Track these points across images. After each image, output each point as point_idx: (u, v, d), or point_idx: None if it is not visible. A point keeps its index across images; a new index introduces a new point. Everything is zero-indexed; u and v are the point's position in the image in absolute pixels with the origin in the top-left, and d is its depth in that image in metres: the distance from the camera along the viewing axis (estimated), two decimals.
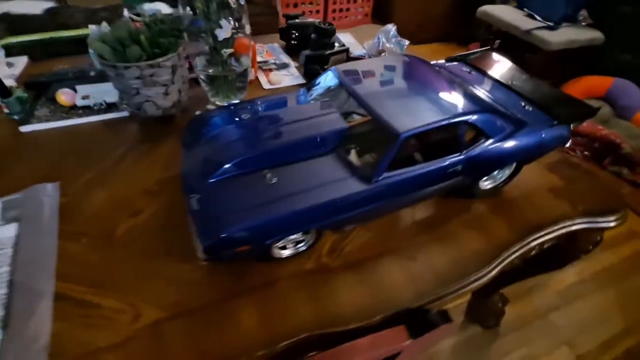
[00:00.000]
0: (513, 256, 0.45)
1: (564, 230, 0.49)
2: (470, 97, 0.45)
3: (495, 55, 0.63)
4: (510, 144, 0.44)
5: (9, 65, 0.74)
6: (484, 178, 0.49)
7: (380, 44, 0.87)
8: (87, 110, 0.64)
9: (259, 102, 0.50)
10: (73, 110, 0.64)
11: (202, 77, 0.63)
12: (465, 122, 0.41)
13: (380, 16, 2.74)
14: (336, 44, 0.78)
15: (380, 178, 0.38)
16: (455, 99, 0.44)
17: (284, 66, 0.81)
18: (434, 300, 0.40)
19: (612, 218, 0.51)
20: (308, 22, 0.85)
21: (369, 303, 0.39)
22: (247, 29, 0.62)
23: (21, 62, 0.77)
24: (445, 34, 2.50)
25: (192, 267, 0.40)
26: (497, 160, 0.45)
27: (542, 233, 0.47)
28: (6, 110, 0.61)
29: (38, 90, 0.67)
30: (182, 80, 0.60)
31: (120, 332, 0.35)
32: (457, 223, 0.48)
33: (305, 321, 0.36)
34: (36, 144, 0.58)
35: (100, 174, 0.52)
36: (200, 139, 0.45)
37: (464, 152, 0.42)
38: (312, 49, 0.76)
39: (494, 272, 0.43)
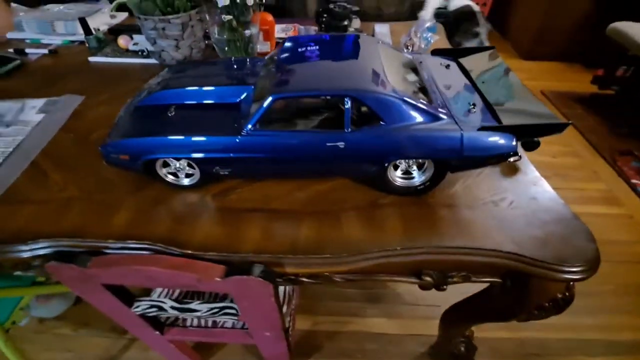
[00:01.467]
0: (382, 259, 0.42)
1: (478, 259, 0.42)
2: (384, 80, 0.43)
3: (494, 57, 0.56)
4: (407, 133, 0.41)
5: (112, 17, 1.00)
6: (395, 170, 0.46)
7: (410, 37, 0.84)
8: (135, 53, 0.82)
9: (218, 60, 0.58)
10: (127, 52, 0.83)
11: (213, 40, 0.74)
12: (350, 98, 0.40)
13: (496, 22, 2.48)
14: (352, 29, 0.79)
15: (249, 131, 0.42)
16: (362, 77, 0.43)
17: None
18: (271, 263, 0.41)
19: (574, 268, 0.40)
20: (337, 6, 0.87)
21: (218, 242, 0.43)
22: (250, 1, 0.69)
23: (122, 16, 1.02)
24: (569, 52, 2.09)
25: (114, 170, 0.51)
26: (387, 146, 0.42)
27: (444, 246, 0.42)
28: (87, 45, 0.84)
29: (116, 35, 0.89)
30: (194, 38, 0.72)
31: (47, 195, 0.48)
32: (349, 207, 0.47)
33: (161, 234, 0.43)
34: (90, 69, 0.79)
35: (111, 98, 0.68)
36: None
37: (350, 130, 0.41)
38: (326, 30, 0.79)
39: (350, 265, 0.42)
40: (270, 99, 0.40)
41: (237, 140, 0.42)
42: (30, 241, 0.43)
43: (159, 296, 0.57)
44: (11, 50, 0.85)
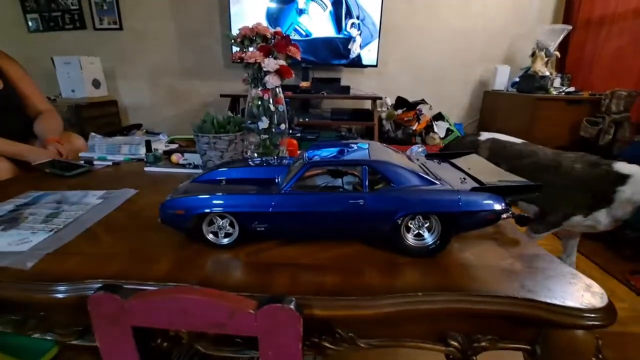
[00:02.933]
0: (404, 306, 0.44)
1: (495, 307, 0.45)
2: (389, 157, 0.56)
3: (476, 156, 0.72)
4: (412, 192, 0.51)
5: (166, 146, 1.25)
6: (408, 233, 0.53)
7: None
8: (183, 166, 1.01)
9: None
10: (177, 165, 1.02)
11: (248, 154, 0.94)
12: (367, 165, 0.52)
13: None
14: None
15: (287, 189, 0.52)
16: (374, 154, 0.56)
17: None
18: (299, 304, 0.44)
19: (592, 314, 0.42)
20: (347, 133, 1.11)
21: (250, 285, 0.46)
22: (282, 126, 0.91)
23: (174, 146, 1.28)
24: None
25: (160, 236, 0.58)
26: (397, 201, 0.50)
27: (464, 293, 0.45)
28: (145, 159, 1.04)
29: (169, 154, 1.10)
30: (235, 152, 0.91)
31: (96, 249, 0.54)
32: (370, 263, 0.51)
33: (197, 279, 0.47)
34: (145, 175, 0.95)
35: (161, 191, 0.80)
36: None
37: (367, 191, 0.51)
38: None
39: (374, 309, 0.44)
40: (306, 165, 0.52)
41: (277, 197, 0.52)
42: (77, 281, 0.46)
43: None
44: (82, 162, 1.04)
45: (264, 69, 0.82)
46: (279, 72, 0.85)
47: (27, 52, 3.00)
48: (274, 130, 0.90)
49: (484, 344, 0.47)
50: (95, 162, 1.04)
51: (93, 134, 1.21)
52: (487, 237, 0.60)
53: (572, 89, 2.37)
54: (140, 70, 3.00)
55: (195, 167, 1.00)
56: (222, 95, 2.61)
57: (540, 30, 2.50)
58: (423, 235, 0.53)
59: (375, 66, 2.69)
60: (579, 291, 0.45)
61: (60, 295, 0.46)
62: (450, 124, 2.74)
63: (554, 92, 2.28)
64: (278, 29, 0.89)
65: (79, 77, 2.59)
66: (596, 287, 0.46)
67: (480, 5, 2.73)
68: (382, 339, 0.47)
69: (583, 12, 2.50)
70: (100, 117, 2.71)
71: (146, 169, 1.00)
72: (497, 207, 0.50)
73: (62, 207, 0.68)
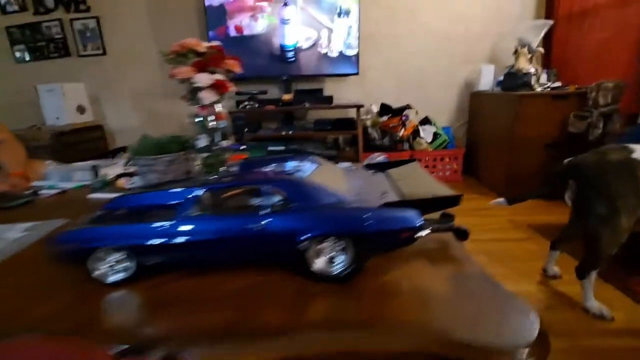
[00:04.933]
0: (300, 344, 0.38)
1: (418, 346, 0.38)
2: (298, 175, 0.51)
3: (415, 165, 0.66)
4: (317, 213, 0.45)
5: (125, 168, 1.21)
6: (319, 257, 0.47)
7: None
8: (130, 190, 0.96)
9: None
10: (124, 189, 0.98)
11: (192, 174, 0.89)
12: (265, 184, 0.46)
13: (470, 172, 2.80)
14: None
15: (179, 218, 0.46)
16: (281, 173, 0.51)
17: None
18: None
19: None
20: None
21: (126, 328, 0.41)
22: (224, 143, 0.87)
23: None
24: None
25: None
26: (297, 222, 0.45)
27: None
28: (92, 186, 1.00)
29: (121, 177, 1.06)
30: (178, 172, 0.87)
31: None
32: (276, 296, 0.45)
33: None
34: (87, 203, 0.91)
35: None
36: None
37: (268, 211, 0.46)
38: None
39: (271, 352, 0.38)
40: (193, 192, 0.47)
41: (170, 225, 0.46)
42: None
43: None
44: (28, 192, 1.01)
45: (195, 85, 0.78)
46: (215, 87, 0.81)
47: (15, 83, 3.05)
48: (214, 147, 0.85)
49: None
50: (42, 191, 1.01)
51: (49, 161, 1.18)
52: (425, 254, 0.54)
53: (558, 84, 2.30)
54: (124, 94, 3.02)
55: None
56: None
57: (521, 27, 2.45)
58: (334, 261, 0.47)
59: (357, 74, 2.66)
60: (514, 323, 0.38)
61: None
62: (437, 128, 2.68)
63: (539, 89, 2.22)
64: (214, 42, 0.85)
65: (61, 104, 2.60)
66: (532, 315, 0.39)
67: (461, 6, 2.70)
68: None
69: (564, 6, 2.45)
70: (85, 142, 2.71)
71: (90, 195, 0.95)
72: (410, 223, 0.44)
73: None
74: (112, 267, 0.49)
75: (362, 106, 2.55)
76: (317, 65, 2.64)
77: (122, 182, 0.99)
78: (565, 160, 1.29)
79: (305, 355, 0.38)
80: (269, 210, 0.46)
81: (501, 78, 2.48)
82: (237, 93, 2.64)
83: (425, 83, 2.84)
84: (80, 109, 2.76)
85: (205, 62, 0.81)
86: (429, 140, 2.58)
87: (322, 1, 2.51)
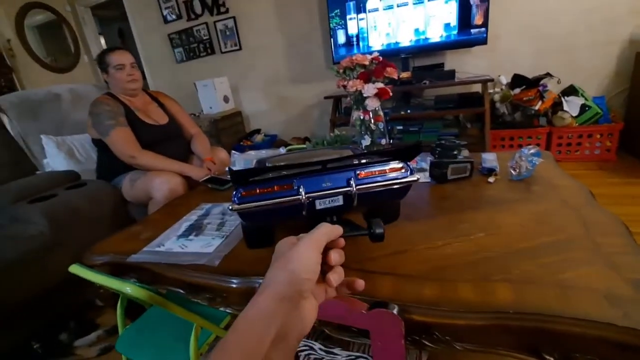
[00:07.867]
0: (496, 320, 0.50)
1: (592, 332, 0.46)
2: None
3: None
4: None
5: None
6: None
7: (515, 161, 0.99)
8: None
9: None
10: None
11: None
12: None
13: (630, 150, 2.36)
14: (462, 156, 1.01)
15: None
16: None
17: (421, 170, 1.11)
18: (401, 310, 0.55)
19: None
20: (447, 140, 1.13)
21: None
22: (382, 141, 1.00)
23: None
24: None
25: None
26: None
27: (557, 315, 0.48)
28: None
29: None
30: None
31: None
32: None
33: None
34: None
35: None
36: None
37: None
38: (437, 158, 1.02)
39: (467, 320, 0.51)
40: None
41: None
42: (245, 277, 0.68)
43: (308, 339, 0.71)
44: (229, 176, 1.36)
45: (364, 95, 0.93)
46: (378, 95, 0.95)
47: (177, 80, 3.83)
48: (375, 145, 1.00)
49: None
50: None
51: (233, 151, 1.54)
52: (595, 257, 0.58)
53: None
54: (256, 82, 3.48)
55: None
56: (325, 98, 2.82)
57: None
58: None
59: (485, 43, 2.44)
60: None
61: (234, 285, 0.68)
62: (586, 99, 2.30)
63: None
64: (375, 54, 0.97)
65: (214, 95, 3.19)
66: None
67: None
68: (475, 345, 0.54)
69: None
70: (230, 126, 3.28)
71: None
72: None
73: (225, 218, 0.95)
74: None
75: (491, 80, 2.37)
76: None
77: None
78: None
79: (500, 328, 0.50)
80: None
81: None
82: None
83: (572, 45, 2.42)
84: (226, 99, 3.33)
85: (369, 73, 0.95)
86: (575, 114, 2.24)
87: None
